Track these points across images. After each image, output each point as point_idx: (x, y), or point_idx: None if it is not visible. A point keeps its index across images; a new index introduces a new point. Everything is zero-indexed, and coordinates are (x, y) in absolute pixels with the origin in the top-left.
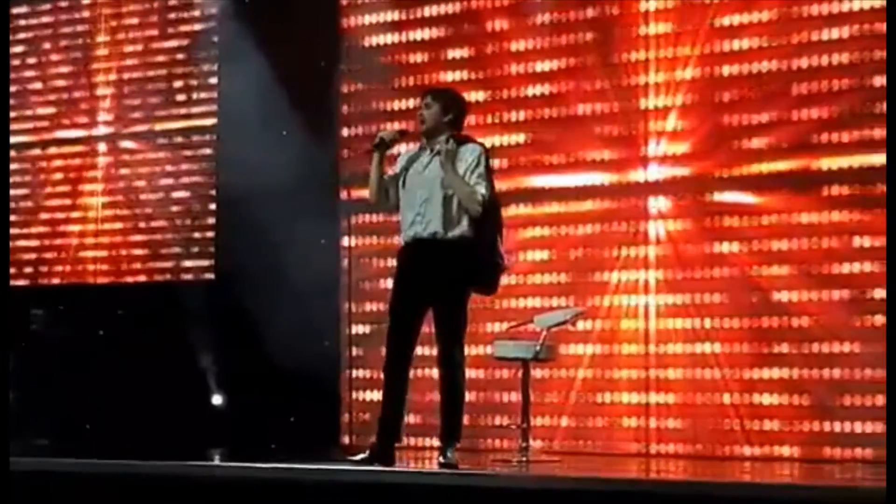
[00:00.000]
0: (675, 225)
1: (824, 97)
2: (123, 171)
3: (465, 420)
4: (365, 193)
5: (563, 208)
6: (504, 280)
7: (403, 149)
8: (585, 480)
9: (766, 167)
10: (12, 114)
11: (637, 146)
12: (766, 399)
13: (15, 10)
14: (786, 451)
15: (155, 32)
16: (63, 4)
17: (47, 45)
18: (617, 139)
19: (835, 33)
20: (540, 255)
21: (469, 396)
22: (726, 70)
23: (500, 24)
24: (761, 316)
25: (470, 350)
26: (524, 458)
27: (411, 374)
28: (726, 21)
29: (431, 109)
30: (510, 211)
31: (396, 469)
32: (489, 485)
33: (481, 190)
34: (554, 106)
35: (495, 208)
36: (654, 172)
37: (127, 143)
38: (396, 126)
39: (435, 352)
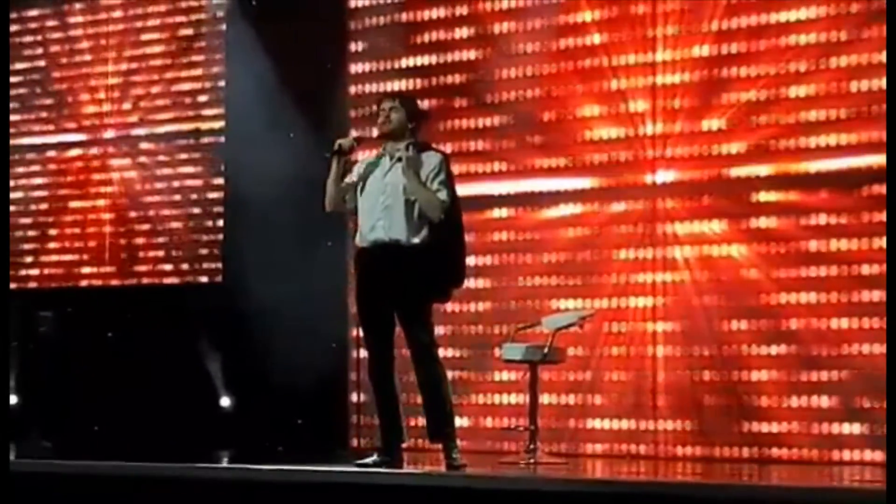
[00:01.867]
0: (683, 227)
1: (833, 98)
2: (131, 173)
3: (473, 422)
4: None
5: (570, 211)
6: (513, 282)
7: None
8: (592, 482)
9: (776, 169)
10: (24, 116)
11: (645, 148)
12: (774, 401)
13: (28, 13)
14: (794, 453)
15: (163, 34)
16: (74, 7)
17: (57, 48)
18: (624, 141)
19: (843, 35)
20: (548, 257)
21: (477, 398)
22: (735, 72)
23: (507, 26)
24: (768, 318)
25: (477, 351)
26: (531, 460)
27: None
28: (734, 24)
29: (399, 113)
30: (519, 213)
31: (404, 471)
32: (496, 487)
33: (442, 196)
34: (560, 108)
35: (457, 217)
36: (662, 175)
37: (134, 146)
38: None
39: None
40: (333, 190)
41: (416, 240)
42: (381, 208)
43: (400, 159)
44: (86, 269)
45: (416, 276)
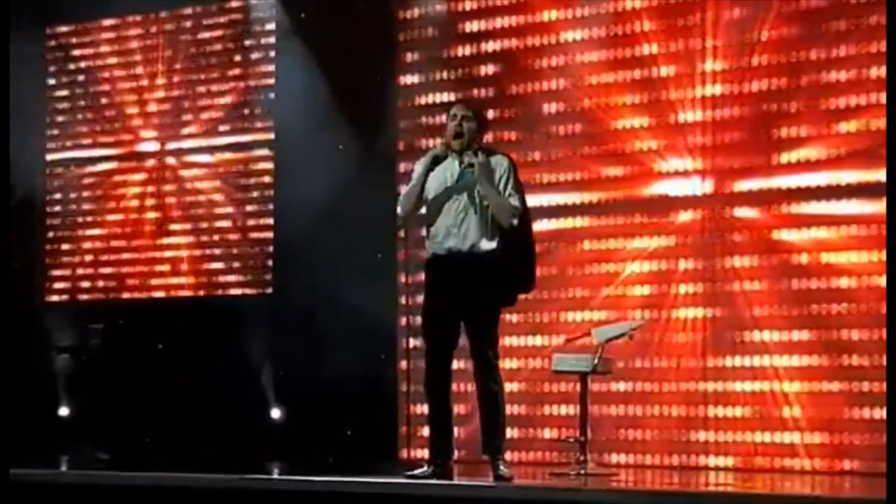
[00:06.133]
0: (732, 238)
1: (874, 109)
2: (182, 185)
3: (523, 433)
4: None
5: (619, 221)
6: (563, 293)
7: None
8: (642, 494)
9: (822, 180)
10: (76, 128)
11: (696, 158)
12: (825, 412)
13: (81, 26)
14: (846, 464)
15: (213, 48)
16: (128, 20)
17: (112, 61)
18: (675, 151)
19: None
20: (597, 268)
21: (527, 409)
22: (776, 83)
23: (557, 37)
24: (819, 328)
25: (528, 363)
26: (582, 472)
27: (462, 387)
28: (775, 34)
29: (472, 123)
30: (568, 223)
31: (454, 482)
32: (547, 498)
33: (514, 202)
34: (611, 118)
35: (527, 222)
36: (710, 186)
37: (186, 158)
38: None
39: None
40: (414, 198)
41: (490, 245)
42: (454, 215)
43: (471, 165)
44: (137, 281)
45: (490, 284)
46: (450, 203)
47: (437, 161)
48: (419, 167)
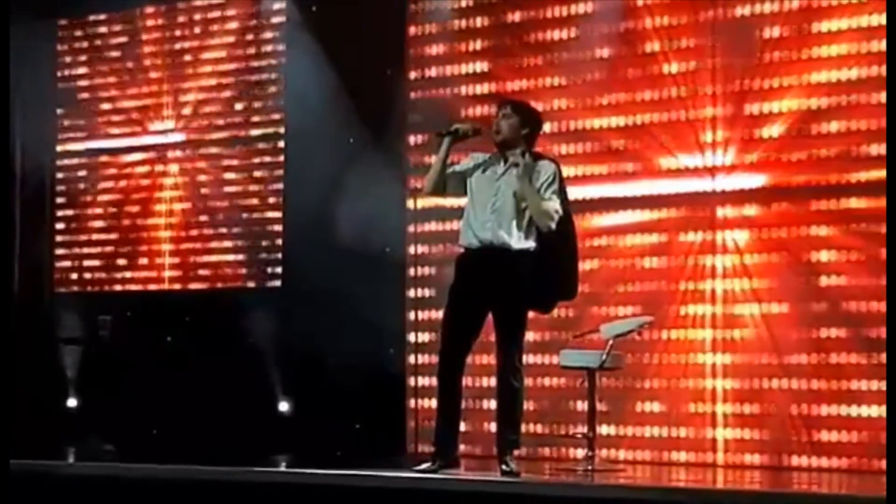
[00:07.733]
0: (743, 235)
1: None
2: (192, 178)
3: (530, 429)
4: (431, 202)
5: (631, 217)
6: None
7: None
8: (650, 490)
9: (834, 178)
10: (87, 121)
11: (705, 155)
12: (834, 410)
13: (92, 17)
14: (854, 462)
15: (224, 40)
16: (137, 13)
17: (119, 54)
18: (685, 147)
19: None
20: (606, 263)
21: (534, 405)
22: (794, 81)
23: (570, 32)
24: (829, 326)
25: (536, 359)
26: (589, 467)
27: (474, 382)
28: (795, 31)
29: (510, 121)
30: (578, 220)
31: (462, 477)
32: (554, 493)
33: (555, 206)
34: (622, 114)
35: (571, 229)
36: (722, 182)
37: (195, 151)
38: None
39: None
40: (437, 173)
41: (523, 245)
42: (489, 210)
43: (515, 164)
44: (145, 273)
45: (523, 281)
46: (487, 198)
47: (456, 135)
48: (445, 141)
